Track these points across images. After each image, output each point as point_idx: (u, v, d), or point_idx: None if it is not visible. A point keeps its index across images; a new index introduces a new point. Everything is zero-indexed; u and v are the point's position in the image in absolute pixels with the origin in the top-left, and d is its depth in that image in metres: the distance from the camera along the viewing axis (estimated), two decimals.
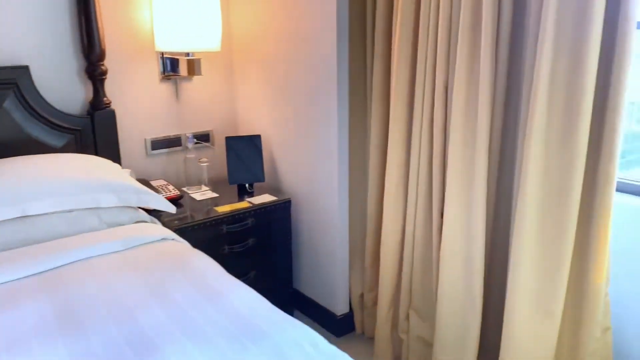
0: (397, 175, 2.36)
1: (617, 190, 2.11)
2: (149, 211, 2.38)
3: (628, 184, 2.14)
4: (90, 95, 2.61)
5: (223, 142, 3.14)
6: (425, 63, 2.18)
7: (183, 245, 2.01)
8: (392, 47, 2.29)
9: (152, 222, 2.25)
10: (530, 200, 1.87)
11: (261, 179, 2.86)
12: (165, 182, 2.82)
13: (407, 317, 2.45)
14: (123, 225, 2.13)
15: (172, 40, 2.58)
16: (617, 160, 1.80)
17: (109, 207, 2.13)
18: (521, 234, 1.89)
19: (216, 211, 2.58)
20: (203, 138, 3.07)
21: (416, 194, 2.31)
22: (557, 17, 1.73)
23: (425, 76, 2.18)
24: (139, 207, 2.26)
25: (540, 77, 1.78)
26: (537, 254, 1.91)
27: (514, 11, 1.94)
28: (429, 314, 2.37)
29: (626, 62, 1.70)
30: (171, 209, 2.28)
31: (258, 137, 2.86)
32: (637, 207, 2.04)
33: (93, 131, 2.58)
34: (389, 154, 2.35)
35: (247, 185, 2.88)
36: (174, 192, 2.68)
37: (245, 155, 2.86)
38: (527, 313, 1.94)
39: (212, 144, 3.12)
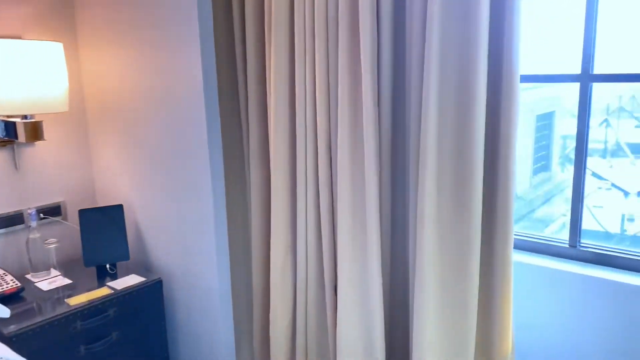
0: (284, 245, 2.10)
1: None
2: None
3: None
4: None
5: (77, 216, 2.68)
6: (305, 122, 1.98)
7: None
8: (268, 102, 2.07)
9: None
10: (428, 275, 1.72)
11: (125, 257, 2.45)
12: (2, 272, 2.30)
13: None
14: None
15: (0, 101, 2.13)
16: (512, 226, 1.72)
17: None
18: (422, 311, 1.72)
19: (68, 304, 2.12)
20: (52, 212, 2.59)
21: (306, 267, 2.06)
22: (441, 72, 1.63)
23: (306, 135, 1.98)
24: None
25: (428, 136, 1.65)
26: (441, 330, 1.74)
27: (395, 63, 1.81)
28: None
29: (513, 116, 1.63)
30: (3, 313, 1.80)
31: (119, 207, 2.46)
32: (525, 264, 1.97)
33: None
34: (272, 223, 2.09)
35: (108, 266, 2.45)
36: (13, 284, 2.18)
37: (104, 229, 2.43)
38: None
39: (64, 219, 2.65)
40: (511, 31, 1.58)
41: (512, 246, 1.73)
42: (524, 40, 1.64)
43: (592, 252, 1.95)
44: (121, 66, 2.42)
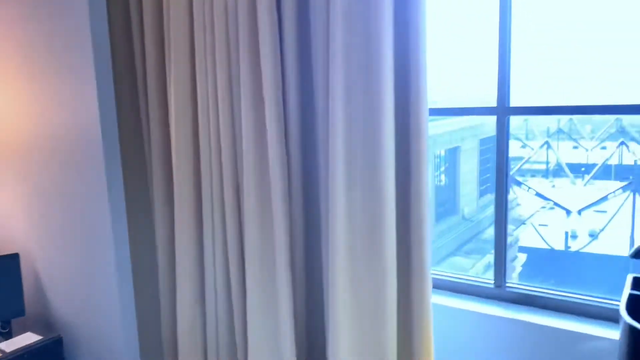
0: (191, 297, 1.92)
1: None
2: None
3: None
4: None
5: None
6: (210, 165, 1.82)
7: None
8: (172, 146, 1.90)
9: None
10: (342, 325, 1.58)
11: (20, 312, 2.19)
12: None
13: None
14: None
15: None
16: (429, 269, 1.60)
17: None
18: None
19: None
20: None
21: (216, 321, 1.88)
22: (346, 111, 1.51)
23: (212, 176, 1.82)
24: None
25: (336, 178, 1.52)
26: None
27: (302, 104, 1.69)
28: None
29: (422, 153, 1.53)
30: None
31: (15, 256, 2.22)
32: (448, 307, 1.85)
33: None
34: (178, 273, 1.90)
35: None
36: None
37: None
38: None
39: None
40: (417, 68, 1.48)
41: (431, 290, 1.62)
42: (443, 75, 1.56)
43: (518, 292, 1.85)
44: (13, 101, 2.20)
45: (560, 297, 1.79)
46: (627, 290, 1.30)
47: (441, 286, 1.96)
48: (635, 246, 1.41)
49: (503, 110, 1.75)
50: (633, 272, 1.54)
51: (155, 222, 2.01)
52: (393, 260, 1.58)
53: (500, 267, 1.87)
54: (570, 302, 1.77)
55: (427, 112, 1.51)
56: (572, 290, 1.81)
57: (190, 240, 1.88)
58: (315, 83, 1.65)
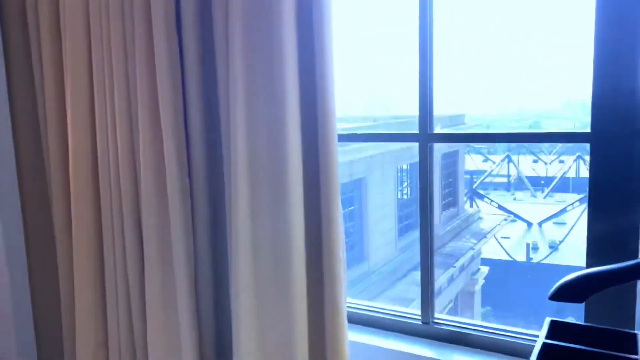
0: (94, 342, 1.76)
1: None
2: None
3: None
4: None
5: None
6: (110, 192, 1.67)
7: None
8: (70, 168, 1.75)
9: None
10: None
11: None
12: None
13: None
14: None
15: None
16: (344, 304, 1.49)
17: None
18: None
19: None
20: None
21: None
22: (249, 140, 1.40)
23: (112, 209, 1.67)
24: None
25: (238, 204, 1.40)
26: None
27: (206, 130, 1.56)
28: None
29: (333, 182, 1.42)
30: None
31: None
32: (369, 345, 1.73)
33: None
34: (78, 317, 1.75)
35: None
36: None
37: None
38: None
39: None
40: (324, 94, 1.37)
41: (346, 328, 1.49)
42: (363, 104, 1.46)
43: (446, 329, 1.73)
44: None
45: (490, 335, 1.69)
46: (541, 338, 1.19)
47: (362, 322, 1.83)
48: (555, 286, 1.31)
49: (425, 138, 1.65)
50: None
51: (58, 259, 1.85)
52: (303, 296, 1.46)
53: (427, 302, 1.75)
54: (501, 340, 1.67)
55: (335, 138, 1.40)
56: (502, 328, 1.71)
57: (90, 281, 1.72)
58: (222, 97, 1.52)
